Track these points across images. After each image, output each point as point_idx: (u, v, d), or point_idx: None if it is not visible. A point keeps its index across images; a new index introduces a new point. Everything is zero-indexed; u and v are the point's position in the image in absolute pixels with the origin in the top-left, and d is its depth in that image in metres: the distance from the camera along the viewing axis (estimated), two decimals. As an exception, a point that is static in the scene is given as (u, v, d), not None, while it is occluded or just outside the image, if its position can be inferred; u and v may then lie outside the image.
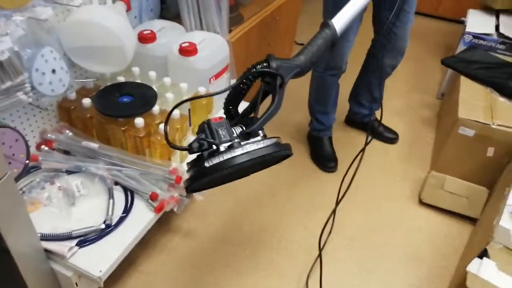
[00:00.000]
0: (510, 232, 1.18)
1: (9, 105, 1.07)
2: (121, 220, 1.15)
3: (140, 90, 1.33)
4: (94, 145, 1.27)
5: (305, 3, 2.90)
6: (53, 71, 1.15)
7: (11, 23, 1.03)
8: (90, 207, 1.19)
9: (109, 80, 1.41)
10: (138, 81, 1.43)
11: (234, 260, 1.42)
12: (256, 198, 1.65)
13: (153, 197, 1.20)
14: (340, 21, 0.95)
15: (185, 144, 1.35)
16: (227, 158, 0.71)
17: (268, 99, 0.83)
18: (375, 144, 2.01)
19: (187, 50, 1.40)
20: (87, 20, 1.17)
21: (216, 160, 0.71)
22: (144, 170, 1.26)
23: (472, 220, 1.62)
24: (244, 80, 0.84)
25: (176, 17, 1.63)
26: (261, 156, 0.72)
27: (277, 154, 0.75)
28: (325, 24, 0.93)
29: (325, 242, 1.46)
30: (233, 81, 1.68)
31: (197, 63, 1.42)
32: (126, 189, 1.25)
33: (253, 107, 0.89)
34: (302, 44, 2.72)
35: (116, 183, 1.26)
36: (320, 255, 1.39)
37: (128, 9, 1.37)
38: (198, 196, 1.30)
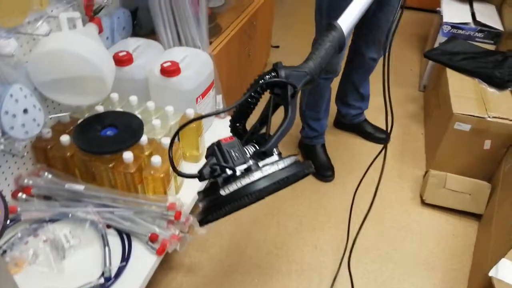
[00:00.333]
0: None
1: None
2: (120, 270, 1.03)
3: (124, 120, 1.21)
4: (79, 186, 1.14)
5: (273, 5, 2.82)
6: (25, 111, 1.01)
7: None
8: (83, 258, 1.06)
9: (87, 111, 1.27)
10: (119, 108, 1.30)
11: (243, 290, 1.33)
12: (257, 220, 1.56)
13: (153, 238, 1.09)
14: (346, 22, 0.87)
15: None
16: (246, 183, 0.62)
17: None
18: (367, 145, 1.96)
19: (170, 71, 1.28)
20: (58, 50, 1.03)
21: (233, 187, 0.63)
22: (139, 208, 1.14)
23: (476, 216, 1.59)
24: (252, 94, 0.76)
25: (150, 34, 1.50)
26: (283, 178, 0.64)
27: (299, 174, 0.67)
28: (331, 26, 0.86)
29: (341, 261, 1.38)
30: (219, 97, 1.57)
31: (182, 84, 1.30)
32: (121, 232, 1.12)
33: (262, 122, 0.81)
34: (277, 47, 2.64)
35: (109, 226, 1.13)
36: (336, 274, 1.32)
37: (100, 31, 1.25)
38: (200, 229, 1.20)
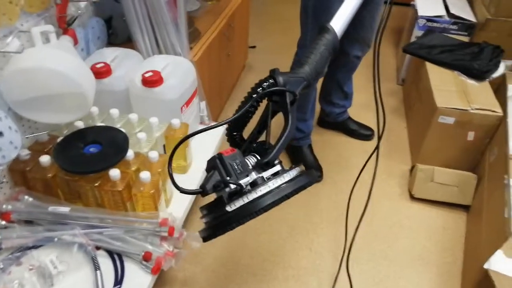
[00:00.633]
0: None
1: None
2: (115, 294, 0.99)
3: (107, 135, 1.15)
4: (65, 209, 1.07)
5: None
6: (1, 134, 0.95)
7: None
8: (73, 284, 1.00)
9: (65, 128, 1.21)
10: (99, 122, 1.24)
11: (240, 301, 1.30)
12: (248, 227, 1.51)
13: (147, 257, 1.04)
14: (339, 23, 0.86)
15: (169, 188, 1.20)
16: (252, 199, 0.61)
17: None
18: (352, 143, 1.96)
19: (152, 81, 1.23)
20: (34, 67, 0.96)
21: (240, 203, 0.61)
22: (129, 227, 1.09)
23: (464, 208, 1.61)
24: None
25: (127, 42, 1.45)
26: (291, 192, 0.63)
27: (306, 186, 0.66)
28: (325, 29, 0.84)
29: (340, 263, 1.37)
30: (203, 104, 1.53)
31: (165, 94, 1.26)
32: (112, 253, 1.07)
33: (260, 130, 0.79)
34: (254, 47, 2.61)
35: (98, 248, 1.08)
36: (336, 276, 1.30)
37: (75, 43, 1.18)
38: (195, 243, 1.16)
